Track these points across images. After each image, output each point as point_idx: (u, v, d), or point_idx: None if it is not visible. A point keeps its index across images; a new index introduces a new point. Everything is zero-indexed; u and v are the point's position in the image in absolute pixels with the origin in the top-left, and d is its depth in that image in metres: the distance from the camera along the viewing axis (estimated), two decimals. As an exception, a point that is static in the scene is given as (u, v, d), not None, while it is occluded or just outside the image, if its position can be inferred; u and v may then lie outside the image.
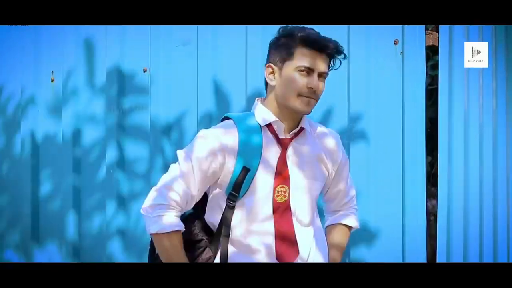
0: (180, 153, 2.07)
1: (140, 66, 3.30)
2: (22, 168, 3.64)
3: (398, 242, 2.96)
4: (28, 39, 3.61)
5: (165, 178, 2.06)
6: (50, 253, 3.51)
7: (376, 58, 3.01)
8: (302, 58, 2.04)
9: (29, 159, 3.63)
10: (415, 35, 2.97)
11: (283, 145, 2.11)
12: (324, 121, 3.02)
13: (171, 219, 2.02)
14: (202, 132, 2.09)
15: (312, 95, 2.05)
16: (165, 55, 3.24)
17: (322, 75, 2.08)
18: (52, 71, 3.53)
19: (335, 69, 2.14)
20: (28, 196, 3.62)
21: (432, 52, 3.21)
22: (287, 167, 2.09)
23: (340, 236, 2.31)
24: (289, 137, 2.13)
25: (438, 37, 3.01)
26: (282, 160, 2.09)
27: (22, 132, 3.66)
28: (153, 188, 2.06)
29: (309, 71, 2.04)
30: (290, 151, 2.11)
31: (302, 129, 2.16)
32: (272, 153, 2.09)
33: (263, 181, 2.06)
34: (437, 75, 3.03)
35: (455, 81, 3.00)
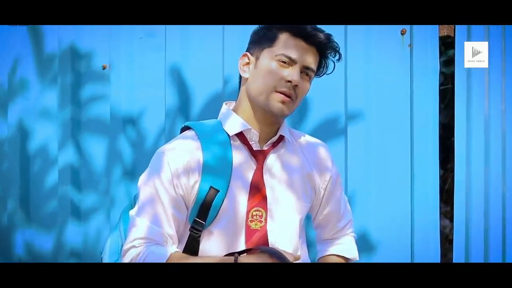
0: (141, 186, 1.92)
1: (99, 61, 3.19)
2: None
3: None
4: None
5: (131, 227, 1.90)
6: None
7: (379, 52, 2.91)
8: (284, 46, 1.90)
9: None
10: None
11: (258, 158, 1.96)
12: (317, 127, 2.92)
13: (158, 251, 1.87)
14: (159, 151, 1.95)
15: (291, 91, 1.89)
16: (128, 48, 3.13)
17: (306, 73, 1.93)
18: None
19: (328, 74, 2.03)
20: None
21: (446, 45, 3.13)
22: (263, 185, 1.94)
23: None
24: (265, 148, 1.98)
25: (454, 27, 2.90)
26: (258, 176, 1.95)
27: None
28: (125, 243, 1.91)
29: (291, 62, 1.90)
30: (267, 165, 1.97)
31: (281, 138, 2.01)
32: (245, 169, 1.95)
33: (235, 204, 1.91)
34: (452, 73, 2.93)
35: (474, 80, 2.90)
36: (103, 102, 3.17)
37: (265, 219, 1.92)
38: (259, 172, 1.94)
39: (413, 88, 2.88)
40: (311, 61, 1.92)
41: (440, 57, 2.99)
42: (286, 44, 1.89)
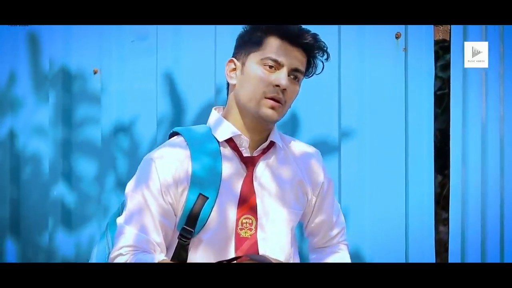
0: (129, 194, 1.91)
1: (90, 66, 3.17)
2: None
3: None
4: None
5: (117, 234, 1.88)
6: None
7: (374, 55, 2.91)
8: (270, 49, 1.87)
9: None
10: (421, 28, 2.87)
11: (248, 165, 1.94)
12: (310, 136, 2.91)
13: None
14: (147, 158, 1.93)
15: (280, 96, 1.87)
16: (119, 52, 3.12)
17: (295, 75, 1.90)
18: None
19: (317, 74, 2.00)
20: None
21: (444, 49, 3.12)
22: (253, 192, 1.92)
23: None
24: (255, 155, 1.96)
25: (450, 30, 2.89)
26: (248, 184, 1.93)
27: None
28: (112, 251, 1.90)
29: (277, 66, 1.87)
30: (257, 172, 1.95)
31: (272, 144, 1.98)
32: (234, 176, 1.92)
33: (224, 212, 1.89)
34: (448, 77, 2.93)
35: (470, 85, 2.90)
36: (95, 111, 3.16)
37: (255, 227, 1.90)
38: (249, 179, 1.92)
39: (408, 92, 2.88)
40: (298, 63, 1.89)
41: (437, 62, 3.00)
42: (272, 47, 1.86)
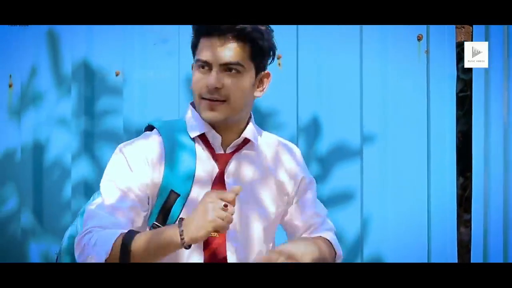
0: (101, 182, 1.86)
1: (112, 67, 3.15)
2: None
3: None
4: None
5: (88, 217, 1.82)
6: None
7: (395, 58, 2.91)
8: (199, 50, 1.83)
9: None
10: (443, 29, 2.87)
11: (219, 162, 1.87)
12: (331, 137, 2.93)
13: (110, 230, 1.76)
14: (119, 148, 1.89)
15: (213, 95, 1.80)
16: (141, 54, 3.10)
17: (232, 68, 1.81)
18: (10, 75, 3.32)
19: (272, 57, 1.89)
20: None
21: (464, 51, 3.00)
22: (225, 190, 1.83)
23: (313, 242, 1.91)
24: (229, 152, 1.90)
25: (472, 32, 2.90)
26: (219, 181, 1.87)
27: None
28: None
29: (207, 65, 1.81)
30: (230, 170, 1.89)
31: (247, 141, 1.91)
32: (206, 173, 1.87)
33: None
34: (470, 79, 2.94)
35: (493, 87, 2.90)
36: (116, 112, 3.16)
37: None
38: (220, 177, 1.87)
39: (430, 94, 2.88)
40: (229, 54, 1.79)
41: (459, 63, 2.97)
42: (201, 48, 1.82)
